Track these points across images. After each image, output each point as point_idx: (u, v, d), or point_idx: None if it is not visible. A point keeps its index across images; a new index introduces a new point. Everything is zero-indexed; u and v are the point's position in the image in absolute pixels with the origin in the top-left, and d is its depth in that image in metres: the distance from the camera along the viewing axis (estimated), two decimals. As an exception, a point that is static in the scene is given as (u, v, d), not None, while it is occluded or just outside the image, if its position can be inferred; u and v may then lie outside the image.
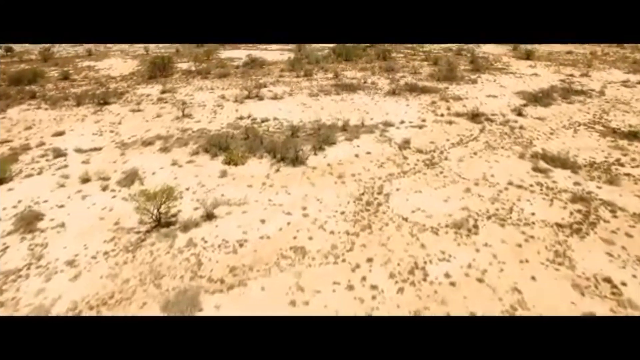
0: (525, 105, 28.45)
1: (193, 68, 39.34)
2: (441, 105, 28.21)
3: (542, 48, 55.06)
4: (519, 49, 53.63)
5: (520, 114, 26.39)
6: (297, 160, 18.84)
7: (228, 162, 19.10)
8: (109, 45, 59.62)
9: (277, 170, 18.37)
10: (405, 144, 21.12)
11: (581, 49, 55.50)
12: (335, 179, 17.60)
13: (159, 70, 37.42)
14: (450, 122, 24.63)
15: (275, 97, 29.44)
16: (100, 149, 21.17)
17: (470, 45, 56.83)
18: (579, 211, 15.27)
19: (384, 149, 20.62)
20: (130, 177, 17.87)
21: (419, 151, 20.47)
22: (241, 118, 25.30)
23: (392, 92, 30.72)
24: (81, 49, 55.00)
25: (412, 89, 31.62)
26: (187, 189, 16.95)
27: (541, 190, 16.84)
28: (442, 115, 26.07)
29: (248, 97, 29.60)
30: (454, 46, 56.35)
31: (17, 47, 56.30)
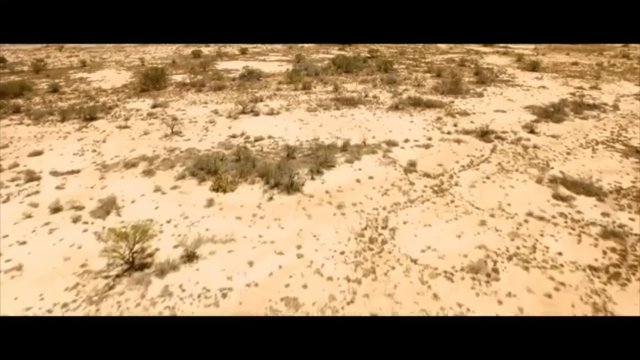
0: (536, 121, 26.58)
1: (188, 80, 37.63)
2: (447, 121, 26.33)
3: (547, 59, 53.50)
4: (523, 59, 52.06)
5: (532, 131, 24.49)
6: (292, 187, 16.90)
7: (216, 189, 17.15)
8: (104, 55, 58.20)
9: (270, 199, 16.41)
10: (411, 167, 19.18)
11: (586, 60, 53.89)
12: (334, 209, 15.62)
13: (152, 82, 35.71)
14: (458, 141, 22.71)
15: (271, 113, 27.59)
16: (78, 171, 19.24)
17: (474, 56, 55.23)
18: (613, 250, 13.25)
19: (388, 173, 18.67)
20: (107, 207, 15.91)
21: (427, 175, 18.51)
22: (234, 136, 23.39)
23: (395, 107, 28.88)
24: (76, 60, 53.50)
25: (416, 103, 29.80)
26: (169, 222, 14.96)
27: (566, 223, 14.83)
28: (449, 132, 24.16)
29: (243, 112, 27.78)
30: (457, 57, 54.76)
31: (11, 58, 54.80)
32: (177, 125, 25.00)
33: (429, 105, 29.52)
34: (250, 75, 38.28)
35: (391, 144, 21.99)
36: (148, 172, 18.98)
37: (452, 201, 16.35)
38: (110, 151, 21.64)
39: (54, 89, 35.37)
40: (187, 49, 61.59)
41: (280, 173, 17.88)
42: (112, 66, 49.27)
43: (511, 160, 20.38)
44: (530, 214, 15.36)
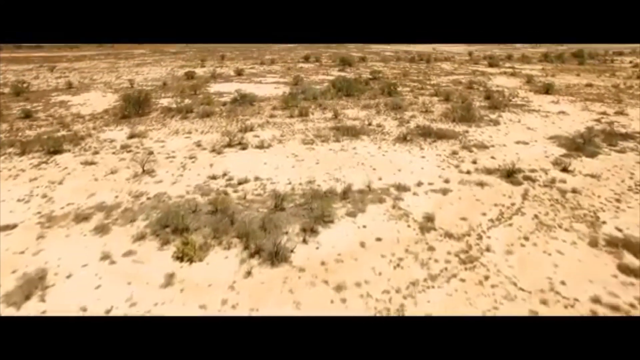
0: (566, 155, 22.65)
1: (174, 105, 33.97)
2: (464, 156, 22.41)
3: (558, 81, 49.98)
4: (533, 81, 48.65)
5: (565, 169, 20.51)
6: (277, 256, 12.83)
7: (180, 257, 13.12)
8: (95, 76, 55.05)
9: (248, 274, 12.31)
10: (428, 222, 15.14)
11: (600, 82, 50.42)
12: (331, 292, 11.49)
13: (134, 108, 32.06)
14: (481, 184, 18.71)
15: (261, 146, 23.73)
16: (14, 226, 15.21)
17: (480, 78, 51.85)
18: None
19: (400, 232, 14.61)
20: (30, 285, 11.79)
21: (448, 235, 14.45)
22: (214, 177, 19.43)
23: (403, 138, 25.03)
24: (65, 80, 50.17)
25: (426, 133, 25.96)
26: (108, 311, 10.88)
27: (650, 317, 10.70)
28: (468, 172, 20.19)
29: (229, 144, 23.94)
30: (463, 78, 51.41)
31: (-5, 80, 51.56)
32: (150, 162, 21.09)
33: (441, 135, 25.68)
34: (243, 100, 34.63)
35: (401, 188, 18.00)
36: (101, 229, 14.95)
37: (487, 277, 12.22)
38: (64, 197, 17.68)
39: (27, 115, 31.72)
40: (182, 70, 58.46)
41: (264, 234, 13.89)
42: (99, 88, 45.90)
43: (549, 211, 16.33)
44: (596, 300, 11.20)
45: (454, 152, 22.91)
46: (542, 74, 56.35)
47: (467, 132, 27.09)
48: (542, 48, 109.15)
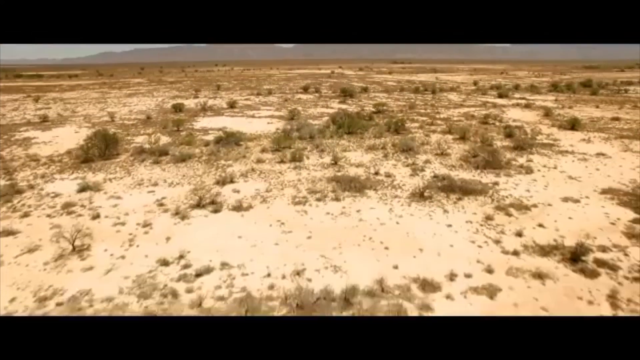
0: (637, 220, 16.95)
1: (147, 145, 28.72)
2: (503, 224, 16.69)
3: (577, 113, 44.87)
4: (552, 114, 43.57)
5: (647, 247, 14.75)
6: None
7: None
8: (78, 108, 50.44)
9: None
10: (481, 364, 9.29)
11: (624, 114, 45.31)
12: None
13: (99, 150, 26.83)
14: (539, 276, 12.88)
15: (239, 207, 18.11)
16: None
17: (493, 110, 46.88)
18: None
19: (438, 390, 8.77)
20: None
21: (520, 396, 8.57)
22: (165, 263, 13.66)
23: (420, 195, 19.41)
24: (42, 113, 45.43)
25: (447, 187, 20.35)
26: None
27: None
28: (515, 253, 14.39)
29: (198, 204, 18.37)
30: (474, 110, 46.47)
31: (-33, 112, 46.94)
32: (87, 235, 15.42)
33: (467, 190, 20.05)
34: (228, 140, 29.35)
35: (428, 285, 12.18)
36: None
37: None
38: (-59, 298, 11.96)
39: (-29, 159, 26.51)
40: (173, 101, 53.88)
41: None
42: (76, 122, 41.02)
43: (661, 334, 10.46)
44: None
45: (488, 217, 17.20)
46: (558, 106, 51.42)
47: (496, 184, 21.50)
48: (547, 77, 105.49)
